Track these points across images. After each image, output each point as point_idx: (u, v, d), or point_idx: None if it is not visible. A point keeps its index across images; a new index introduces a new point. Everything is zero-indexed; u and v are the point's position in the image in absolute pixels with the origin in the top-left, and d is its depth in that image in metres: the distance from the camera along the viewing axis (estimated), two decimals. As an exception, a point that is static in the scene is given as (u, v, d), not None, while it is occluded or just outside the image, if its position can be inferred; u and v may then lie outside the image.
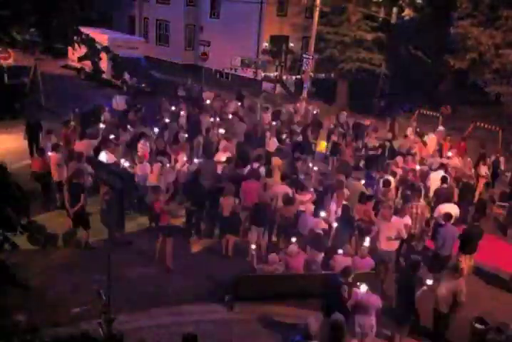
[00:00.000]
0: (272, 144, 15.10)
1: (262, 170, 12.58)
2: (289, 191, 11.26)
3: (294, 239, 9.72)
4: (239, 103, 19.77)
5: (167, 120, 16.29)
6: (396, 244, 10.22)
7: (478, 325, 8.35)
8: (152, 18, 34.32)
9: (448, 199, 11.83)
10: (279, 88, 28.11)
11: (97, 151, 12.97)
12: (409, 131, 17.17)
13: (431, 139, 16.67)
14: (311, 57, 24.49)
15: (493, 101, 24.08)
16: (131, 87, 24.63)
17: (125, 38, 28.17)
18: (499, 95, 23.02)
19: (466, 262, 10.16)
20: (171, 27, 33.25)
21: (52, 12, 4.69)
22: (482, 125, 21.85)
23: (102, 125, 15.01)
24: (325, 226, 10.40)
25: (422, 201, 11.43)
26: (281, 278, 9.58)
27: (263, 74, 28.29)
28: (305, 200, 11.22)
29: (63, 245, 10.72)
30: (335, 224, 10.40)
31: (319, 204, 11.39)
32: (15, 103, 18.56)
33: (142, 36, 33.54)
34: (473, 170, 14.62)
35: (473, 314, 8.67)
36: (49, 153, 12.26)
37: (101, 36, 22.00)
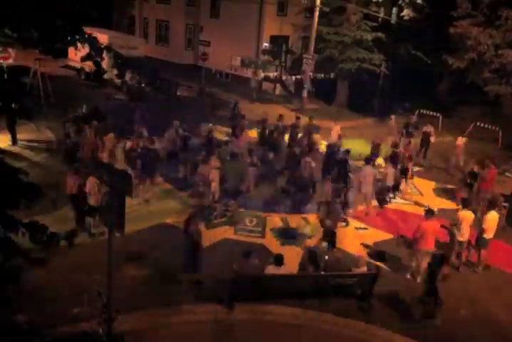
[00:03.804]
0: None
1: None
2: None
3: None
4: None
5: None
6: None
7: None
8: (152, 18, 34.32)
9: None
10: (279, 88, 28.11)
11: None
12: None
13: None
14: (311, 57, 24.49)
15: (493, 101, 24.04)
16: (131, 88, 24.63)
17: (125, 38, 28.13)
18: (498, 95, 22.97)
19: None
20: (171, 27, 33.26)
21: (53, 11, 4.66)
22: (482, 124, 21.89)
23: None
24: None
25: None
26: (279, 278, 9.59)
27: (263, 74, 28.29)
28: None
29: (67, 246, 10.65)
30: None
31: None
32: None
33: (142, 36, 33.54)
34: None
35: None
36: None
37: (101, 36, 21.93)
